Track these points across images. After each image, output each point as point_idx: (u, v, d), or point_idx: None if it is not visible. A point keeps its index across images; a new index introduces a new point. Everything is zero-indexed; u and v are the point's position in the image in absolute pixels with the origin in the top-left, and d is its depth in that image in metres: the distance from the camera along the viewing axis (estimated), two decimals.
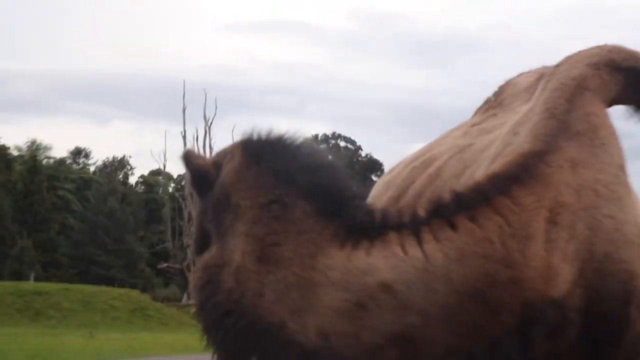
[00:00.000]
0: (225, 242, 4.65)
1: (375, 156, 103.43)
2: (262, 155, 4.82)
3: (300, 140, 4.90)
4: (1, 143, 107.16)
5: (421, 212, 4.26)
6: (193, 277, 4.99)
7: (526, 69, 5.72)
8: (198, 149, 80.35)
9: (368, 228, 4.29)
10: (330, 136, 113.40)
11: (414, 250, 4.02)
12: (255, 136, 5.02)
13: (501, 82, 5.72)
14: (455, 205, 4.10)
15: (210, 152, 78.44)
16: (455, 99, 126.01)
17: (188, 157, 5.27)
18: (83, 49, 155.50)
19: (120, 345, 43.57)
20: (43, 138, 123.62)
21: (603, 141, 4.33)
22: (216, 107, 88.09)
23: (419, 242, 4.04)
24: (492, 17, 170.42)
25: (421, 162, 5.43)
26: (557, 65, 4.84)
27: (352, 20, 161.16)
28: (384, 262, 4.06)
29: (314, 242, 4.31)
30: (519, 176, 4.09)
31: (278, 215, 4.50)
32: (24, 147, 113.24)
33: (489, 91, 5.95)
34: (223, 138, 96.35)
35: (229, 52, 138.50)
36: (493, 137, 4.99)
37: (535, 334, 3.93)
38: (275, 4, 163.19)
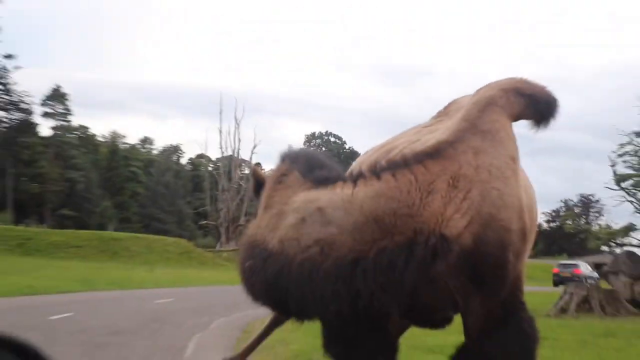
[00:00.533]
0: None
1: (355, 148, 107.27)
2: (286, 155, 5.84)
3: (307, 148, 6.44)
4: (91, 132, 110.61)
5: (364, 170, 4.88)
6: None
7: (466, 93, 5.49)
8: (230, 140, 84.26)
9: (328, 180, 5.03)
10: (323, 133, 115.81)
11: (347, 190, 4.69)
12: (288, 150, 6.07)
13: (449, 100, 5.60)
14: (385, 166, 4.67)
15: (239, 143, 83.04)
16: (411, 110, 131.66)
17: (255, 171, 6.56)
18: (150, 63, 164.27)
19: (171, 278, 44.96)
20: (121, 129, 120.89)
21: (501, 139, 4.63)
22: (243, 110, 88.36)
23: (353, 186, 4.70)
24: (437, 54, 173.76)
25: (385, 149, 5.35)
26: (480, 89, 5.07)
27: (338, 53, 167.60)
28: (325, 196, 4.78)
29: (294, 191, 5.08)
30: (432, 154, 4.54)
31: (280, 181, 5.45)
32: (107, 135, 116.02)
33: (438, 107, 5.82)
34: (248, 133, 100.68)
35: (254, 71, 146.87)
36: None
37: (418, 251, 4.31)
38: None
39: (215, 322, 17.87)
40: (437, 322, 5.21)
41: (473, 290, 4.45)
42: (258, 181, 6.01)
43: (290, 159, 5.64)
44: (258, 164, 65.78)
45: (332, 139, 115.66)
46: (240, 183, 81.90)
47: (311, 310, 4.69)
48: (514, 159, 4.66)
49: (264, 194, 5.52)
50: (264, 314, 17.84)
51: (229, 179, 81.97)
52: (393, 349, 5.04)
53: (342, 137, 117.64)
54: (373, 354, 4.84)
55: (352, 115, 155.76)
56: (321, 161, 5.61)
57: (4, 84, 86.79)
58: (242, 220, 78.96)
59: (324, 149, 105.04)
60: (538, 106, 4.98)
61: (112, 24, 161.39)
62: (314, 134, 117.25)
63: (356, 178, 4.78)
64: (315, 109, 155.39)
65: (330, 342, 4.97)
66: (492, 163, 4.50)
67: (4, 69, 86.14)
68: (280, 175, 5.43)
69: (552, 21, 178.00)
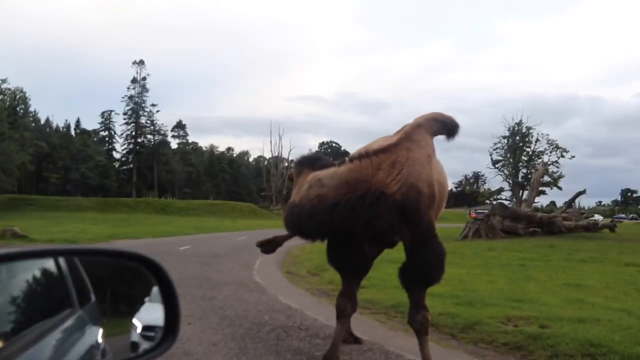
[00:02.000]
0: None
1: (348, 150, 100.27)
2: (300, 160, 5.67)
3: (311, 153, 6.17)
4: (199, 145, 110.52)
5: (347, 158, 4.89)
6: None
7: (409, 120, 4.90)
8: (276, 147, 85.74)
9: (325, 166, 4.88)
10: (328, 142, 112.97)
11: (335, 168, 4.59)
12: (299, 156, 5.90)
13: (405, 123, 4.92)
14: (357, 156, 4.57)
15: (281, 149, 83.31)
16: (378, 129, 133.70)
17: (290, 174, 6.02)
18: (229, 105, 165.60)
19: (246, 225, 44.49)
20: (215, 143, 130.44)
21: (423, 145, 4.51)
22: (283, 130, 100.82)
23: (338, 166, 4.62)
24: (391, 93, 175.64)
25: (363, 148, 4.92)
26: (415, 119, 4.82)
27: (335, 95, 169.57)
28: (323, 173, 4.60)
29: (306, 176, 4.82)
30: (383, 150, 4.43)
31: (299, 174, 5.25)
32: (208, 146, 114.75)
33: (394, 128, 5.16)
34: (286, 142, 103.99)
35: (287, 108, 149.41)
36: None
37: (368, 199, 4.24)
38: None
39: None
40: (390, 243, 5.21)
41: (404, 225, 4.43)
42: (290, 177, 5.89)
43: (302, 160, 5.60)
44: (292, 161, 71.45)
45: (334, 145, 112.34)
46: (283, 171, 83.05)
47: (314, 232, 4.67)
48: (430, 155, 4.58)
49: (295, 182, 5.44)
50: (296, 245, 18.90)
51: (276, 169, 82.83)
52: (365, 260, 5.02)
53: (339, 143, 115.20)
54: (352, 262, 4.88)
55: (344, 131, 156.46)
56: (319, 158, 5.56)
57: (151, 121, 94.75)
58: (283, 192, 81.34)
59: (328, 150, 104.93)
60: (447, 128, 4.93)
61: (207, 82, 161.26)
62: (323, 142, 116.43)
63: (341, 162, 4.74)
64: (323, 128, 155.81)
65: (329, 256, 4.99)
66: (416, 157, 4.42)
67: (151, 112, 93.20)
68: (299, 171, 5.33)
69: (452, 72, 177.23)
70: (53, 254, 1.73)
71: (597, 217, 56.41)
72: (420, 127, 4.73)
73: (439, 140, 5.01)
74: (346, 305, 4.80)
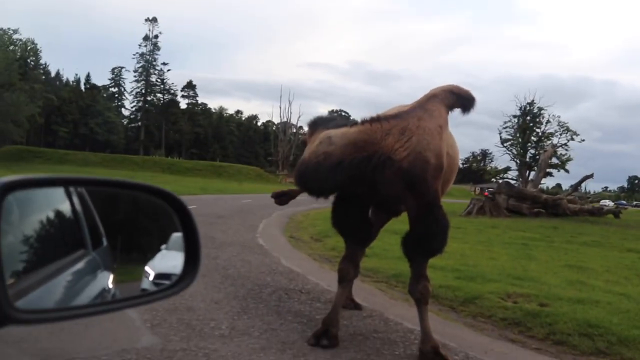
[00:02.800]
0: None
1: (356, 118, 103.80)
2: (314, 120, 5.45)
3: (326, 114, 7.94)
4: (208, 107, 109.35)
5: (358, 120, 4.62)
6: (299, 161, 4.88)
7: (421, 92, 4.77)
8: (285, 112, 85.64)
9: (339, 126, 4.68)
10: (338, 110, 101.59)
11: (347, 128, 4.48)
12: (314, 116, 5.62)
13: (415, 95, 4.98)
14: (368, 119, 4.43)
15: (290, 114, 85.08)
16: (393, 100, 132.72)
17: (304, 139, 5.86)
18: (239, 67, 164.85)
19: (251, 188, 44.71)
20: (225, 105, 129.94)
21: (435, 116, 4.42)
22: (293, 95, 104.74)
23: (350, 127, 4.49)
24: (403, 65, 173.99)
25: (377, 115, 4.54)
26: (432, 89, 4.79)
27: (346, 64, 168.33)
28: (334, 131, 4.51)
29: (318, 134, 4.68)
30: (395, 116, 4.39)
31: (312, 133, 5.10)
32: (217, 108, 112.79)
33: (409, 98, 5.41)
34: (296, 108, 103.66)
35: (298, 74, 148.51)
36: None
37: (374, 161, 4.20)
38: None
39: (275, 213, 17.84)
40: (395, 212, 5.16)
41: (409, 193, 4.34)
42: (304, 142, 5.65)
43: (316, 121, 5.43)
44: (301, 128, 72.94)
45: (343, 113, 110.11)
46: (291, 137, 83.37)
47: (317, 188, 4.56)
48: (442, 127, 4.46)
49: (308, 142, 5.19)
50: (300, 210, 19.25)
51: (284, 134, 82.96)
52: (370, 227, 4.99)
53: (348, 112, 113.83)
54: (356, 227, 4.82)
55: (353, 100, 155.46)
56: (333, 118, 5.49)
57: (162, 79, 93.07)
58: (290, 158, 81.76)
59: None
60: (463, 101, 4.82)
61: (219, 43, 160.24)
62: (332, 110, 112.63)
63: (352, 124, 4.62)
64: (333, 96, 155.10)
65: (334, 220, 4.89)
66: (427, 126, 4.33)
67: (162, 70, 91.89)
68: (312, 131, 5.17)
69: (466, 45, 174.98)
70: (65, 182, 1.69)
71: (607, 202, 56.23)
72: (435, 98, 4.65)
73: (453, 114, 4.90)
74: (349, 270, 4.78)
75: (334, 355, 4.26)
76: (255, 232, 13.00)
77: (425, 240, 4.41)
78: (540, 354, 4.90)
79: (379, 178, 4.29)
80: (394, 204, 4.75)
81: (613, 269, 10.37)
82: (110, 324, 4.45)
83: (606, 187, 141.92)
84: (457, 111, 4.85)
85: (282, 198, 6.24)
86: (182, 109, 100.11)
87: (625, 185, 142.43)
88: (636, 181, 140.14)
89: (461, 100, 4.81)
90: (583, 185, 40.94)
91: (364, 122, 4.48)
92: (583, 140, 55.00)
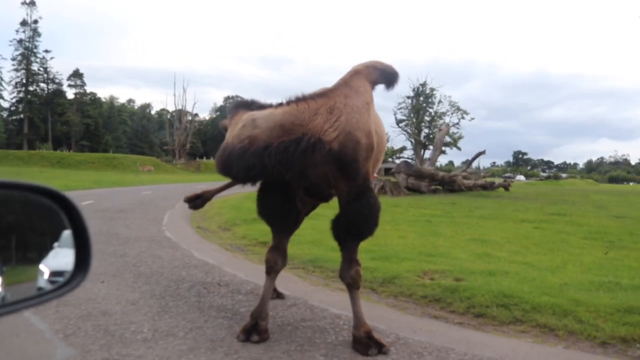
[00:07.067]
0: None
1: None
2: (236, 104, 5.22)
3: (253, 99, 5.08)
4: (98, 96, 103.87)
5: (283, 101, 4.40)
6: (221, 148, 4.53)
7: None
8: (180, 100, 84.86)
9: (262, 107, 4.59)
10: (234, 96, 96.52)
11: (272, 109, 4.29)
12: (234, 100, 5.70)
13: (310, 79, 5.57)
14: (294, 99, 4.26)
15: (185, 102, 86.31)
16: (287, 85, 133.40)
17: (222, 124, 5.75)
18: (128, 53, 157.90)
19: (149, 179, 45.39)
20: (115, 94, 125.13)
21: (361, 92, 4.33)
22: (187, 82, 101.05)
23: (275, 108, 4.31)
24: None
25: (302, 94, 4.28)
26: (354, 66, 4.68)
27: (238, 48, 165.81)
28: (258, 113, 4.30)
29: (241, 116, 4.48)
30: (321, 94, 4.25)
31: (232, 117, 4.86)
32: (107, 97, 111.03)
33: (304, 83, 6.12)
34: (190, 95, 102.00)
35: (188, 60, 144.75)
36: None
37: (303, 144, 4.02)
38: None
39: (177, 204, 17.43)
40: (325, 197, 4.96)
41: (340, 176, 4.22)
42: (224, 126, 5.44)
43: (238, 104, 5.15)
44: (196, 115, 69.85)
45: (238, 99, 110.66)
46: (186, 125, 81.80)
47: (244, 176, 4.26)
48: (368, 103, 4.35)
49: (229, 126, 4.99)
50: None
51: (180, 122, 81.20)
52: (297, 214, 4.81)
53: (243, 97, 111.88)
54: (283, 215, 4.63)
55: (248, 84, 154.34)
56: (256, 101, 5.13)
57: (44, 68, 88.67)
58: (187, 147, 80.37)
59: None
60: (387, 76, 4.71)
61: (105, 29, 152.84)
62: (228, 96, 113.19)
63: (278, 105, 4.41)
64: (228, 82, 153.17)
65: (259, 208, 4.69)
66: (354, 104, 4.22)
67: (44, 58, 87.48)
68: (234, 114, 4.87)
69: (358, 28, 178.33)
70: None
71: (520, 177, 58.82)
72: (359, 74, 4.53)
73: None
74: (277, 260, 4.63)
75: (266, 350, 4.13)
76: (161, 225, 12.58)
77: (358, 225, 4.29)
78: (464, 327, 5.01)
79: (308, 161, 4.13)
80: (325, 189, 4.59)
81: (512, 239, 10.94)
82: (17, 339, 4.07)
83: (494, 162, 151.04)
84: (380, 87, 4.76)
85: (196, 202, 5.96)
86: (69, 99, 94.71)
87: (511, 159, 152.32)
88: (520, 155, 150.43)
89: (385, 75, 4.72)
90: (475, 161, 43.14)
91: (289, 102, 4.30)
92: (473, 119, 58.36)
